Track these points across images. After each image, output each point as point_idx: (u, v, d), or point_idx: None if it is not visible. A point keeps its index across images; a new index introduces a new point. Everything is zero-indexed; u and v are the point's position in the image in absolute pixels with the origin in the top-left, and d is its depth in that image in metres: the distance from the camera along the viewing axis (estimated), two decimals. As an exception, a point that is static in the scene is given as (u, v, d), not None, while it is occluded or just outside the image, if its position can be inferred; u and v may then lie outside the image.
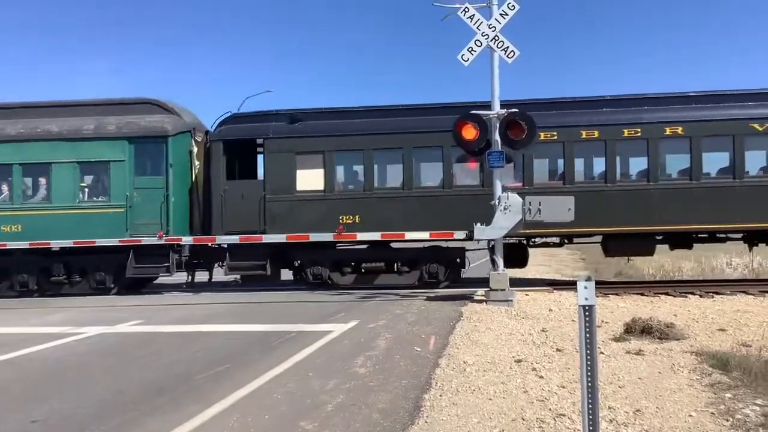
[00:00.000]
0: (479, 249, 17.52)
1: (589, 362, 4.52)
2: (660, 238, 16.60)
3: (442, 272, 16.99)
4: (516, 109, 13.28)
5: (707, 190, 15.96)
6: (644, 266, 25.25)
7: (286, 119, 17.41)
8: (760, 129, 15.89)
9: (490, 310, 12.32)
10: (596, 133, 16.34)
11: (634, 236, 16.17)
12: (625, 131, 16.27)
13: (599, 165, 16.71)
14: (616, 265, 24.39)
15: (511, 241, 16.28)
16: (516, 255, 16.44)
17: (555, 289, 15.91)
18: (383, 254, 17.31)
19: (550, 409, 6.13)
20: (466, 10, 13.27)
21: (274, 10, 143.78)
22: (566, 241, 17.54)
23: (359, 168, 17.35)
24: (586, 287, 4.55)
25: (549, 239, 17.50)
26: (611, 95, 17.07)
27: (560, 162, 16.70)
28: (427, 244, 17.24)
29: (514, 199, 13.08)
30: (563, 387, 6.93)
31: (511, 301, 13.09)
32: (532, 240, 17.18)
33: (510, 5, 13.16)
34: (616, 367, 7.88)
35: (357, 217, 16.76)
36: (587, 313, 4.57)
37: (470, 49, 13.31)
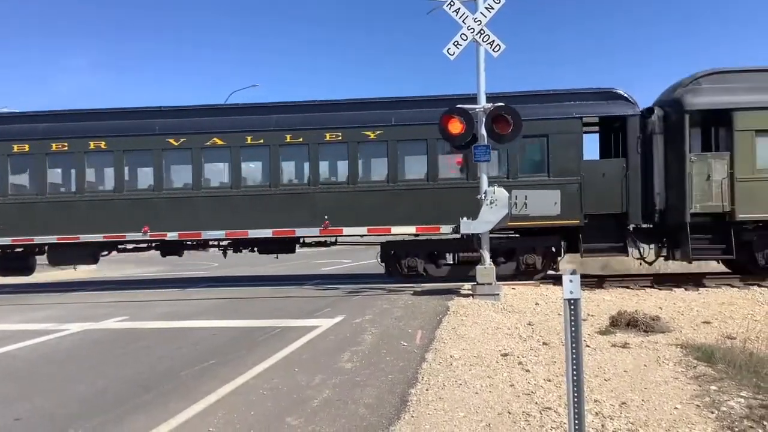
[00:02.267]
0: None
1: (574, 355, 4.51)
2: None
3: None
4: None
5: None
6: (630, 260, 25.30)
7: None
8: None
9: (477, 304, 12.33)
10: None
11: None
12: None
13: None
14: (603, 258, 24.44)
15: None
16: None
17: (541, 282, 15.95)
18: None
19: (536, 403, 6.13)
20: (452, 3, 13.24)
21: (261, 6, 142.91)
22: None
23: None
24: (571, 281, 4.54)
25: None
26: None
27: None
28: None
29: (501, 193, 13.09)
30: (549, 380, 6.94)
31: (498, 295, 13.11)
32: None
33: (496, -1, 13.15)
34: (601, 360, 7.89)
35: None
36: (572, 307, 4.56)
37: (456, 43, 13.29)
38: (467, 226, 13.48)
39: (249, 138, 16.93)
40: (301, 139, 16.85)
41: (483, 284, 13.23)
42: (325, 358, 8.18)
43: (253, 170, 17.47)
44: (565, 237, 16.71)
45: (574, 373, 4.50)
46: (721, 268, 17.59)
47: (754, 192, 15.48)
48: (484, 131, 13.21)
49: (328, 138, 16.80)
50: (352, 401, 6.28)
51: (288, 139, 16.89)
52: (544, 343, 8.91)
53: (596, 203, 16.18)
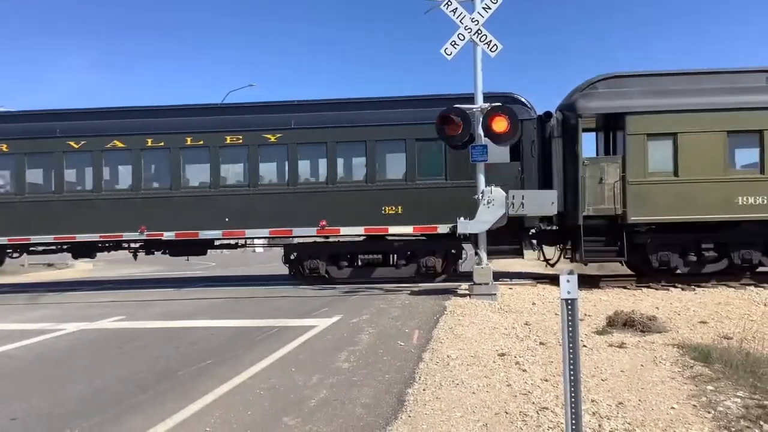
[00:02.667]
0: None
1: (571, 355, 4.51)
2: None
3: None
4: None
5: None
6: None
7: None
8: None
9: (474, 304, 12.34)
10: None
11: None
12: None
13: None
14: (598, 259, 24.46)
15: None
16: None
17: (538, 282, 15.97)
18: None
19: (533, 403, 6.14)
20: (449, 3, 13.24)
21: (259, 5, 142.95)
22: None
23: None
24: (568, 281, 4.54)
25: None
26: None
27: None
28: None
29: (498, 193, 13.11)
30: (546, 380, 6.94)
31: (495, 294, 13.12)
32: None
33: (493, -1, 13.15)
34: (598, 360, 7.90)
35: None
36: (570, 307, 4.56)
37: (453, 43, 13.29)
38: (464, 226, 13.49)
39: (150, 140, 17.22)
40: (201, 142, 17.12)
41: (480, 284, 13.24)
42: (323, 357, 8.18)
43: (156, 173, 17.70)
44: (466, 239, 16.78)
45: (571, 373, 4.50)
46: (715, 268, 17.58)
47: (646, 195, 15.73)
48: (481, 131, 13.22)
49: (228, 141, 17.07)
50: (349, 401, 6.28)
51: (189, 142, 17.17)
52: (541, 343, 8.92)
53: None
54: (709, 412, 5.84)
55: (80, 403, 6.50)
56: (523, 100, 16.82)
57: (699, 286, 15.06)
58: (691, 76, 16.40)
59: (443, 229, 16.27)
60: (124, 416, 6.02)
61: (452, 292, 14.15)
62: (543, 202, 12.90)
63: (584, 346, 8.54)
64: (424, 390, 6.58)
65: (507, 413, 5.85)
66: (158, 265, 28.11)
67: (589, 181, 15.83)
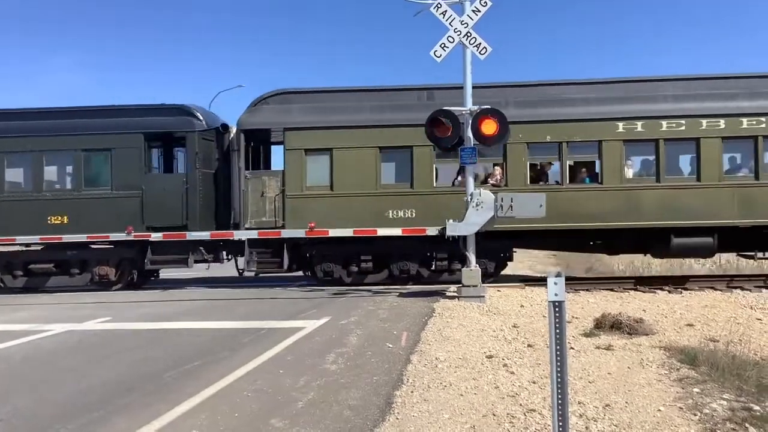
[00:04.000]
0: None
1: (558, 358, 4.52)
2: None
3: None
4: None
5: None
6: (614, 262, 25.53)
7: None
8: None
9: (463, 306, 12.35)
10: None
11: None
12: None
13: None
14: (587, 260, 24.62)
15: None
16: None
17: (526, 284, 16.00)
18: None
19: (520, 405, 6.15)
20: (439, 5, 13.26)
21: (247, 6, 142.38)
22: None
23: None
24: (555, 283, 4.56)
25: None
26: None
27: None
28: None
29: (487, 195, 13.12)
30: (534, 382, 6.96)
31: (483, 297, 13.13)
32: None
33: (482, 2, 13.17)
34: (586, 362, 7.93)
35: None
36: (557, 309, 4.58)
37: (443, 45, 13.31)
38: (453, 228, 13.47)
39: None
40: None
41: (468, 286, 13.25)
42: (311, 359, 8.16)
43: None
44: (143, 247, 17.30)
45: (559, 375, 4.51)
46: (705, 271, 17.80)
47: (304, 208, 16.52)
48: (470, 133, 13.24)
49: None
50: (336, 403, 6.26)
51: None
52: (528, 345, 8.94)
53: (160, 216, 17.01)
54: (695, 414, 5.87)
55: (66, 405, 6.45)
56: (194, 112, 17.40)
57: (685, 289, 15.15)
58: (351, 93, 17.30)
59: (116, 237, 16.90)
60: (111, 417, 5.98)
61: (441, 294, 14.16)
62: (532, 205, 12.90)
63: (571, 348, 8.57)
64: (412, 392, 6.58)
65: (495, 415, 5.86)
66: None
67: (251, 195, 16.75)
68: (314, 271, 17.10)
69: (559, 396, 4.51)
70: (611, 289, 15.36)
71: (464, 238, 13.62)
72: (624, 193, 16.03)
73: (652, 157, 16.24)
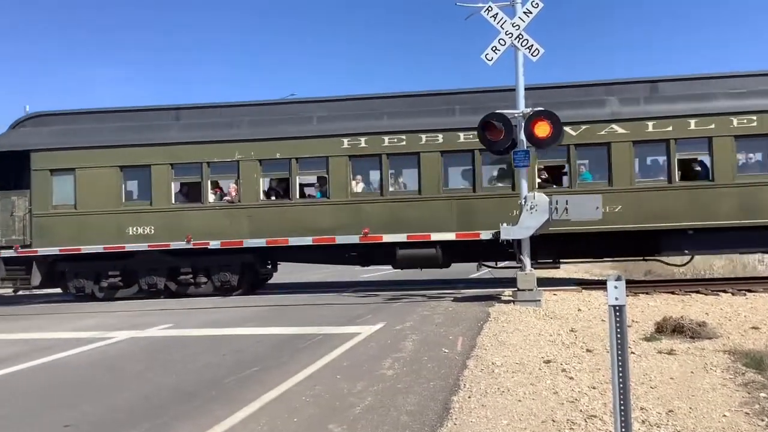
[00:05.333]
0: None
1: (620, 362, 4.45)
2: None
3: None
4: None
5: None
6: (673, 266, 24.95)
7: None
8: None
9: (518, 311, 12.24)
10: None
11: None
12: None
13: None
14: (646, 264, 24.09)
15: None
16: None
17: (584, 288, 15.76)
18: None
19: (581, 411, 6.06)
20: (490, 9, 13.21)
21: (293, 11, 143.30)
22: None
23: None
24: (616, 287, 4.49)
25: None
26: None
27: None
28: None
29: (541, 198, 12.99)
30: (594, 388, 6.85)
31: (539, 301, 13.00)
32: None
33: (534, 3, 13.10)
34: (647, 367, 7.77)
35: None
36: (617, 313, 4.51)
37: (494, 48, 13.26)
38: (507, 232, 13.38)
39: None
40: None
41: (524, 290, 13.12)
42: (367, 364, 8.20)
43: None
44: None
45: (620, 380, 4.44)
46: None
47: (51, 227, 17.30)
48: (523, 136, 13.14)
49: None
50: (394, 408, 6.28)
51: None
52: (587, 350, 8.81)
53: None
54: (762, 420, 5.70)
55: (130, 410, 6.63)
56: None
57: (750, 291, 14.72)
58: (96, 115, 18.29)
59: None
60: (173, 423, 6.12)
61: (496, 298, 14.06)
62: (588, 207, 12.71)
63: (632, 353, 8.40)
64: (469, 397, 6.55)
65: (554, 421, 5.79)
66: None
67: (1, 214, 17.45)
68: (67, 287, 17.92)
69: (621, 401, 4.44)
70: (672, 293, 15.01)
71: (518, 241, 13.51)
72: (351, 206, 16.79)
73: (377, 171, 16.97)
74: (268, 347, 9.72)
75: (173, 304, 16.28)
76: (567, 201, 12.73)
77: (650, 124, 15.78)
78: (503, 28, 13.17)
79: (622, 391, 4.43)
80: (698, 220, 15.62)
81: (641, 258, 17.68)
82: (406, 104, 17.24)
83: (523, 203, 13.12)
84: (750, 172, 15.88)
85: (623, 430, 4.42)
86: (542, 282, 14.75)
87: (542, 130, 12.88)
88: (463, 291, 15.92)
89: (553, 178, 16.72)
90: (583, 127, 15.88)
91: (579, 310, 12.52)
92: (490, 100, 15.96)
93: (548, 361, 8.09)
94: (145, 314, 14.31)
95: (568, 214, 12.73)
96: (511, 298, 13.46)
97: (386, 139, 16.61)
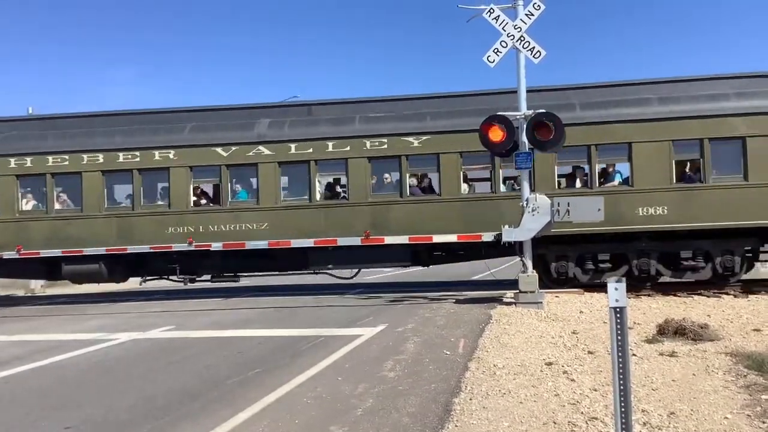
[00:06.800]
0: None
1: (621, 364, 4.46)
2: None
3: None
4: None
5: None
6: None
7: None
8: None
9: (520, 313, 12.23)
10: None
11: None
12: None
13: None
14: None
15: None
16: None
17: (585, 290, 15.76)
18: None
19: (582, 413, 6.06)
20: (492, 11, 13.22)
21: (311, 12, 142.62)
22: None
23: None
24: (616, 288, 4.49)
25: None
26: None
27: None
28: None
29: (543, 200, 12.99)
30: (595, 390, 6.85)
31: (541, 303, 12.99)
32: None
33: (535, 5, 13.10)
34: (649, 369, 7.78)
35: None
36: (618, 315, 4.51)
37: (496, 50, 13.27)
38: (509, 234, 13.39)
39: None
40: None
41: (526, 292, 13.13)
42: (369, 366, 8.21)
43: None
44: None
45: (621, 382, 4.44)
46: None
47: None
48: (525, 138, 13.14)
49: None
50: (395, 410, 6.29)
51: None
52: (589, 352, 8.81)
53: None
54: (764, 422, 5.70)
55: (133, 412, 6.64)
56: None
57: (751, 293, 14.71)
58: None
59: None
60: (177, 423, 6.14)
61: (498, 300, 14.06)
62: (590, 209, 12.71)
63: (634, 354, 8.41)
64: (470, 399, 6.55)
65: (555, 423, 5.80)
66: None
67: None
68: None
69: (622, 403, 4.44)
70: (674, 295, 15.01)
71: (520, 243, 13.51)
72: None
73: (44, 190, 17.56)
74: (269, 349, 9.73)
75: (175, 305, 16.30)
76: (569, 203, 12.72)
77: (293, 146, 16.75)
78: (505, 30, 13.18)
79: (623, 393, 4.44)
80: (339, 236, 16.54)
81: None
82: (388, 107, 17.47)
83: (524, 205, 13.12)
84: (382, 192, 16.86)
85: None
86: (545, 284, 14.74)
87: (545, 132, 12.86)
88: (464, 293, 15.92)
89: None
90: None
91: (581, 312, 12.52)
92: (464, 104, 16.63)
93: (550, 363, 8.09)
94: (147, 316, 14.32)
95: (569, 215, 12.73)
96: (512, 300, 13.46)
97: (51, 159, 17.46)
